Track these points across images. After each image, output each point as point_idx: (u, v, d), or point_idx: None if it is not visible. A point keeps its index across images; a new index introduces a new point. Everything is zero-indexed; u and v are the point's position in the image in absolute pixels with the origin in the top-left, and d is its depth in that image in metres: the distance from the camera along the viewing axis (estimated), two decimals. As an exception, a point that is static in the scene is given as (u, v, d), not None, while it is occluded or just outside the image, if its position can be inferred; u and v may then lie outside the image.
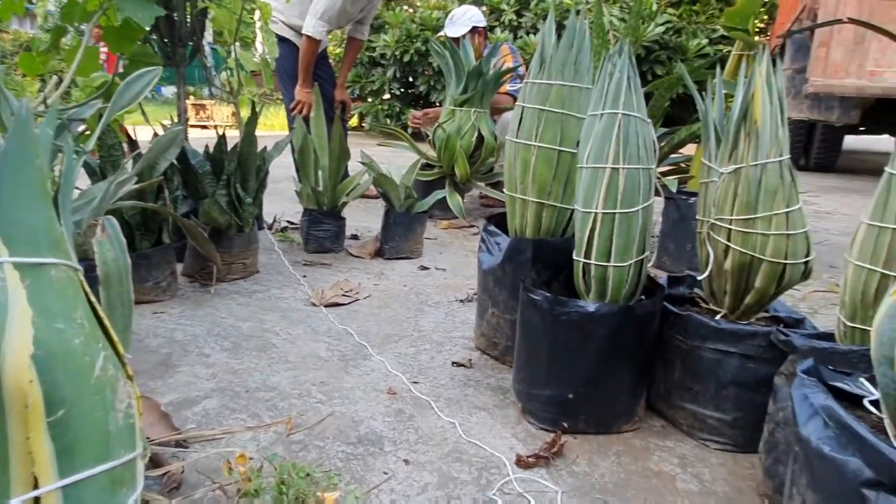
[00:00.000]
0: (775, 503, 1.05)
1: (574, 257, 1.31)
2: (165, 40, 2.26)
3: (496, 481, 1.12)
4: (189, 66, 2.41)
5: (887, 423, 0.76)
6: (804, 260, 1.22)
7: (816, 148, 6.29)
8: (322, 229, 2.62)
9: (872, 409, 0.83)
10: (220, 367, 1.53)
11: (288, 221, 3.12)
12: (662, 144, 2.60)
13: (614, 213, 1.23)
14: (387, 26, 8.10)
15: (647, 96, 2.58)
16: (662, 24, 6.91)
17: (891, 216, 0.98)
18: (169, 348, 1.61)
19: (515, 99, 3.05)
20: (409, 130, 4.22)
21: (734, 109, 1.19)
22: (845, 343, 1.07)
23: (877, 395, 0.79)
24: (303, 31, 3.25)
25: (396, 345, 1.73)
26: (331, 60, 3.94)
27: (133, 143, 2.02)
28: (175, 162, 1.99)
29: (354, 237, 2.92)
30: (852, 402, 0.86)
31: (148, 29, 2.04)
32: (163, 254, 1.94)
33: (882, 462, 0.64)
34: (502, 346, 1.62)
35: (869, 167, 7.26)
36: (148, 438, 1.11)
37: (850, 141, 7.80)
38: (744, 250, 1.21)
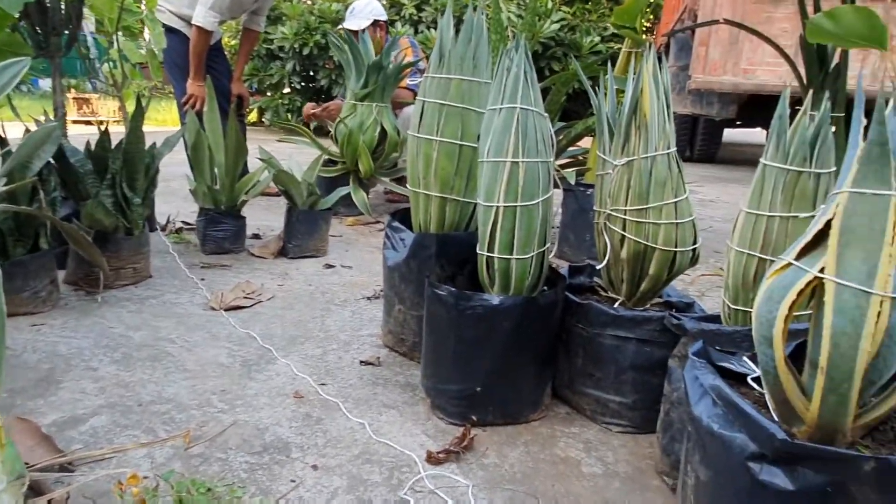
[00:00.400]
0: (673, 480, 1.10)
1: (478, 251, 1.32)
2: (37, 28, 2.07)
3: (407, 480, 1.11)
4: (68, 58, 2.23)
5: (768, 398, 0.82)
6: (692, 247, 1.29)
7: (699, 140, 6.71)
8: (220, 229, 2.51)
9: (755, 385, 0.88)
10: (109, 380, 1.42)
11: (183, 222, 2.96)
12: (560, 138, 2.68)
13: (515, 206, 1.25)
14: (284, 18, 7.87)
15: (545, 91, 2.65)
16: (557, 22, 7.12)
17: (766, 204, 1.05)
18: (50, 363, 1.49)
19: (415, 93, 3.03)
20: (312, 125, 4.12)
21: (625, 104, 1.24)
22: (730, 324, 1.14)
23: (758, 372, 0.84)
24: (192, 22, 3.09)
25: (302, 346, 1.68)
26: (226, 52, 3.78)
27: (2, 141, 1.84)
28: (52, 161, 1.84)
29: (256, 237, 2.81)
30: (738, 380, 0.92)
31: (17, 16, 1.86)
32: (40, 261, 1.79)
33: (764, 436, 0.68)
34: (410, 343, 1.61)
35: (746, 158, 7.85)
36: (26, 464, 1.02)
37: (729, 134, 8.39)
38: (638, 239, 1.26)
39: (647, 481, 1.15)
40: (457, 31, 1.48)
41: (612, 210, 1.29)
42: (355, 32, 3.48)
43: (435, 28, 7.45)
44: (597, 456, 1.23)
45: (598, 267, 1.37)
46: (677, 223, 1.26)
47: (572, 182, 2.42)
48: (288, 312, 1.93)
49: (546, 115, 1.28)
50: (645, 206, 1.24)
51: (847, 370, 0.70)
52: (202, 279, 2.19)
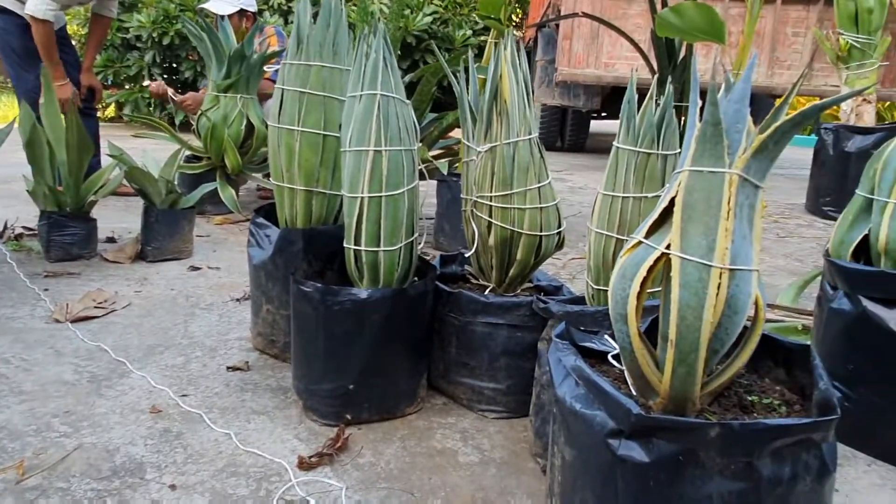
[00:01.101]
0: (545, 461, 1.12)
1: (344, 245, 1.27)
2: None
3: (277, 490, 1.05)
4: None
5: (627, 373, 0.84)
6: (557, 231, 1.31)
7: (569, 131, 7.00)
8: (67, 234, 2.27)
9: (616, 363, 0.91)
10: (-77, 411, 1.24)
11: (24, 227, 2.66)
12: (433, 129, 2.67)
13: (380, 196, 1.21)
14: (140, 5, 7.32)
15: (416, 82, 2.63)
16: (430, 15, 7.15)
17: (620, 186, 1.09)
18: None
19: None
20: (178, 119, 3.85)
21: (486, 91, 1.23)
22: (593, 305, 1.17)
23: (618, 349, 0.86)
24: (25, 11, 2.77)
25: (162, 356, 1.55)
26: (74, 41, 3.43)
27: None
28: None
29: (111, 240, 2.59)
30: (601, 358, 0.94)
31: None
32: None
33: (621, 412, 0.70)
34: (281, 344, 1.53)
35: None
36: None
37: (596, 124, 8.84)
38: (504, 225, 1.27)
39: (522, 464, 1.16)
40: (316, 17, 1.42)
41: (478, 197, 1.29)
42: (221, 17, 3.27)
43: (305, 19, 7.23)
44: (473, 444, 1.22)
45: (466, 255, 1.36)
46: (541, 208, 1.27)
47: (445, 172, 2.43)
48: (146, 320, 1.78)
49: (408, 102, 1.25)
50: (509, 192, 1.25)
51: (693, 341, 0.72)
52: (45, 289, 1.97)
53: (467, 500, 1.05)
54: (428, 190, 3.36)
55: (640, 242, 0.79)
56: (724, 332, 0.74)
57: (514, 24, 9.58)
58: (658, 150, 1.07)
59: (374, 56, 1.20)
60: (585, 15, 2.34)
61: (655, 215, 0.79)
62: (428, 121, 2.71)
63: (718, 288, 0.73)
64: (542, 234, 1.29)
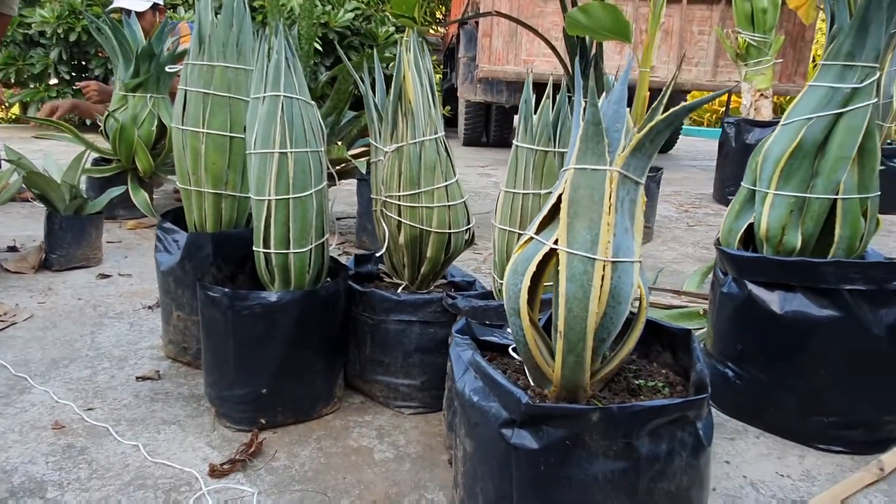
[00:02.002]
0: (458, 452, 1.14)
1: (254, 248, 1.26)
2: None
3: (187, 499, 1.03)
4: None
5: (526, 365, 0.87)
6: (466, 228, 1.34)
7: (493, 126, 7.10)
8: (-40, 244, 2.14)
9: (515, 355, 0.94)
10: None
11: (-87, 239, 2.49)
12: (351, 128, 2.66)
13: (287, 198, 1.20)
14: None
15: (333, 80, 2.61)
16: (352, 11, 7.08)
17: (520, 183, 1.12)
18: None
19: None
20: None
21: (390, 92, 1.24)
22: (499, 299, 1.21)
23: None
24: None
25: (67, 369, 1.49)
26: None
27: None
28: None
29: (13, 249, 2.45)
30: (504, 351, 0.97)
31: None
32: None
33: (512, 402, 0.73)
34: (194, 351, 1.50)
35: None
36: None
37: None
38: (413, 224, 1.29)
39: (436, 458, 1.18)
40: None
41: (386, 196, 1.30)
42: (127, 12, 3.14)
43: (222, 14, 7.02)
44: (389, 441, 1.24)
45: (377, 254, 1.38)
46: (450, 206, 1.30)
47: (364, 171, 2.42)
48: (50, 332, 1.70)
49: (313, 103, 1.25)
50: (417, 191, 1.27)
51: (580, 331, 0.76)
52: (-64, 305, 1.85)
53: (381, 497, 1.06)
54: (352, 189, 3.35)
55: (531, 238, 0.83)
56: (609, 321, 0.78)
57: (437, 20, 9.62)
58: (555, 147, 1.12)
59: (276, 57, 1.19)
60: (499, 14, 2.38)
61: (545, 211, 0.83)
62: (347, 119, 2.70)
63: (602, 280, 0.77)
64: (452, 231, 1.31)
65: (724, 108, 8.11)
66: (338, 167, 2.69)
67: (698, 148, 8.39)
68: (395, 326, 1.30)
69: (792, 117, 1.27)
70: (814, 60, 5.85)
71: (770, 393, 1.28)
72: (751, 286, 1.27)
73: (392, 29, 7.62)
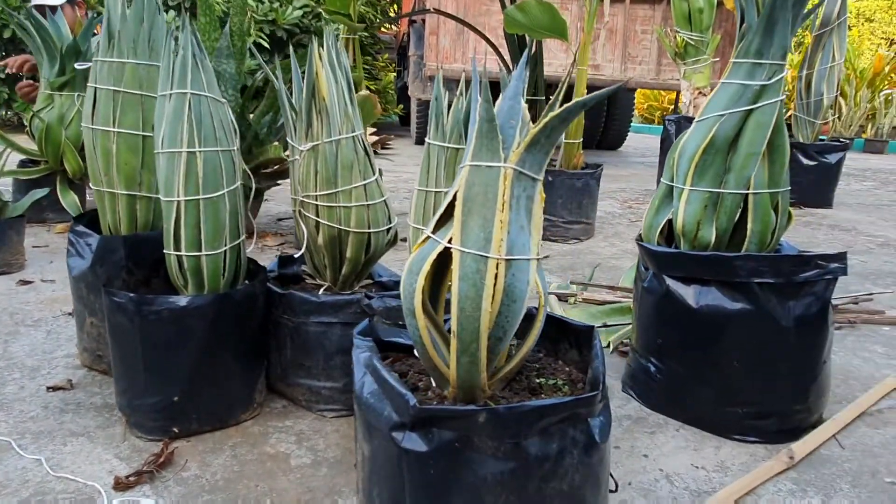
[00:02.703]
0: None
1: (164, 250, 1.22)
2: None
3: (87, 514, 0.99)
4: None
5: (426, 366, 0.86)
6: (387, 227, 1.32)
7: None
8: None
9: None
10: None
11: None
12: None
13: (197, 199, 1.16)
14: (-28, -6, 6.62)
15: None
16: (300, 8, 6.98)
17: (432, 181, 1.11)
18: None
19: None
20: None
21: (303, 89, 1.22)
22: (417, 298, 1.19)
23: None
24: None
25: (-27, 381, 1.42)
26: None
27: None
28: None
29: (-72, 256, 2.32)
30: (410, 352, 0.96)
31: None
32: None
33: (402, 405, 0.71)
34: (109, 358, 1.44)
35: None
36: None
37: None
38: (331, 224, 1.26)
39: (354, 462, 1.16)
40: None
41: (303, 196, 1.27)
42: (52, 9, 3.02)
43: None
44: (308, 446, 1.21)
45: (295, 255, 1.35)
46: (368, 205, 1.28)
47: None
48: (-41, 343, 1.62)
49: (224, 100, 1.21)
50: (334, 191, 1.24)
51: (473, 331, 0.75)
52: None
53: (293, 504, 1.04)
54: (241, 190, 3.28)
55: (428, 237, 0.81)
56: (504, 320, 0.77)
57: (389, 18, 9.55)
58: (466, 144, 1.10)
59: (182, 53, 1.15)
60: (437, 11, 2.37)
61: (443, 209, 0.81)
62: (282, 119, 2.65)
63: (496, 278, 0.76)
64: (371, 231, 1.29)
65: (672, 107, 8.28)
66: (276, 167, 2.64)
67: (647, 145, 8.55)
68: (316, 328, 1.28)
69: (706, 114, 1.29)
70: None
71: (688, 386, 1.30)
72: (669, 281, 1.29)
73: (342, 26, 7.56)
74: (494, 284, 0.76)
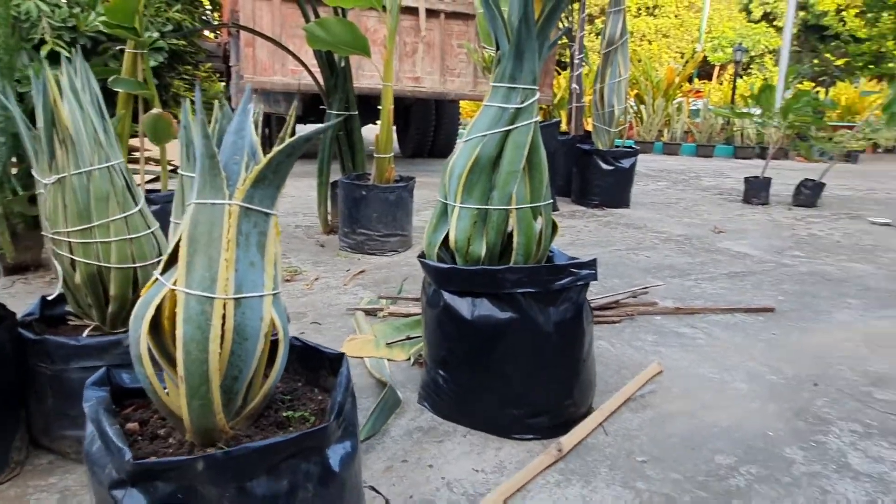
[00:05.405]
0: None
1: None
2: None
3: None
4: None
5: (162, 412, 0.82)
6: (156, 260, 1.26)
7: (276, 137, 6.92)
8: None
9: (170, 398, 0.89)
10: None
11: None
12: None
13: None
14: None
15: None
16: (104, 15, 6.45)
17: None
18: None
19: None
20: None
21: (41, 118, 1.12)
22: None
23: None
24: None
25: None
26: None
27: None
28: None
29: None
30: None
31: None
32: None
33: (119, 460, 0.68)
34: None
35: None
36: None
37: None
38: (88, 261, 1.18)
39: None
40: None
41: (54, 233, 1.17)
42: None
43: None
44: (77, 501, 1.12)
45: (49, 298, 1.24)
46: (132, 239, 1.21)
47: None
48: None
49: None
50: (89, 226, 1.16)
51: (202, 374, 0.73)
52: None
53: (42, 574, 0.95)
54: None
55: (156, 279, 0.78)
56: (238, 359, 0.77)
57: (210, 26, 9.10)
58: (223, 175, 1.08)
59: None
60: (236, 25, 2.30)
61: (170, 249, 0.79)
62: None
63: (224, 318, 0.75)
64: (138, 265, 1.22)
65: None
66: None
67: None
68: (79, 375, 1.18)
69: (471, 134, 1.37)
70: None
71: (473, 393, 1.37)
72: (446, 295, 1.35)
73: (157, 34, 7.09)
74: (223, 325, 0.75)
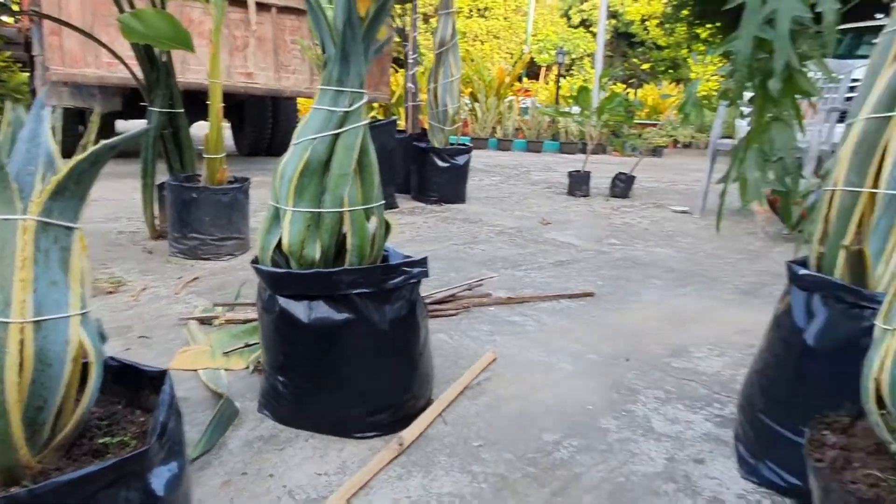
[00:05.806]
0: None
1: None
2: None
3: None
4: None
5: None
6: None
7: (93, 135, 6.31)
8: None
9: None
10: None
11: None
12: None
13: None
14: None
15: None
16: None
17: None
18: None
19: None
20: None
21: None
22: None
23: None
24: None
25: None
26: None
27: None
28: None
29: None
30: None
31: None
32: None
33: None
34: None
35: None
36: None
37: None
38: None
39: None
40: None
41: None
42: None
43: None
44: None
45: None
46: None
47: None
48: None
49: None
50: None
51: (-2, 406, 0.67)
52: None
53: None
54: None
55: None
56: (41, 387, 0.71)
57: (10, 10, 8.09)
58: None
59: None
60: (37, 14, 2.06)
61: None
62: None
63: (22, 344, 0.69)
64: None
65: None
66: None
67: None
68: None
69: (300, 137, 1.36)
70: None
71: (313, 396, 1.37)
72: (281, 300, 1.33)
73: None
74: (21, 351, 0.69)
